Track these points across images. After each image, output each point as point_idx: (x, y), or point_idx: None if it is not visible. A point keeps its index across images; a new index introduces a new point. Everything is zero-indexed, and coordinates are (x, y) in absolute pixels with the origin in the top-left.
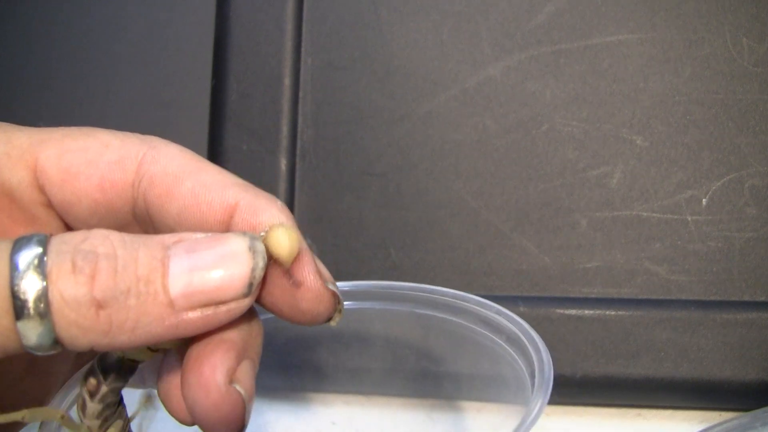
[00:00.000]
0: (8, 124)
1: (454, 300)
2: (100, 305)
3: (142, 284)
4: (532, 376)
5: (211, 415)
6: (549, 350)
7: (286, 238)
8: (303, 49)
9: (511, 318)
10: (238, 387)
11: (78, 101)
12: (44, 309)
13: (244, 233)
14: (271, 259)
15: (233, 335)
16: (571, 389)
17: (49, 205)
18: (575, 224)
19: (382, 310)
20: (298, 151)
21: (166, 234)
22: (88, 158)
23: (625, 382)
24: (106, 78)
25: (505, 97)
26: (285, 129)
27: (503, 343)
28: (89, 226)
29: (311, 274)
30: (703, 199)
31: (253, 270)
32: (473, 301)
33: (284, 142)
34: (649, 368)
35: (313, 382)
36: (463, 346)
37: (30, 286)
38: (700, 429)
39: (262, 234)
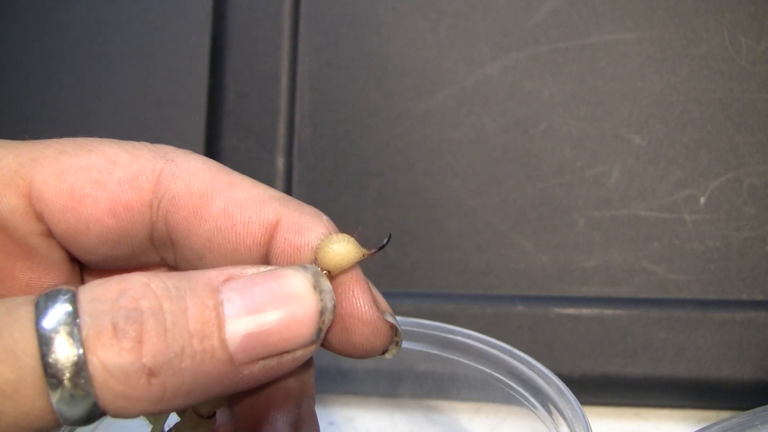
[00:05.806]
0: None
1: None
2: (151, 373)
3: (196, 341)
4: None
5: None
6: (547, 350)
7: (338, 246)
8: (300, 49)
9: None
10: None
11: (76, 100)
12: (84, 384)
13: (304, 267)
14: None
15: (288, 378)
16: (570, 388)
17: (49, 234)
18: (573, 223)
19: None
20: (295, 150)
21: (208, 270)
22: (94, 178)
23: (623, 381)
24: (104, 77)
25: (503, 96)
26: (282, 128)
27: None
28: (98, 256)
29: (367, 304)
30: (701, 198)
31: (322, 313)
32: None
33: (282, 141)
34: (647, 367)
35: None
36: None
37: (64, 358)
38: (698, 428)
39: (318, 267)
